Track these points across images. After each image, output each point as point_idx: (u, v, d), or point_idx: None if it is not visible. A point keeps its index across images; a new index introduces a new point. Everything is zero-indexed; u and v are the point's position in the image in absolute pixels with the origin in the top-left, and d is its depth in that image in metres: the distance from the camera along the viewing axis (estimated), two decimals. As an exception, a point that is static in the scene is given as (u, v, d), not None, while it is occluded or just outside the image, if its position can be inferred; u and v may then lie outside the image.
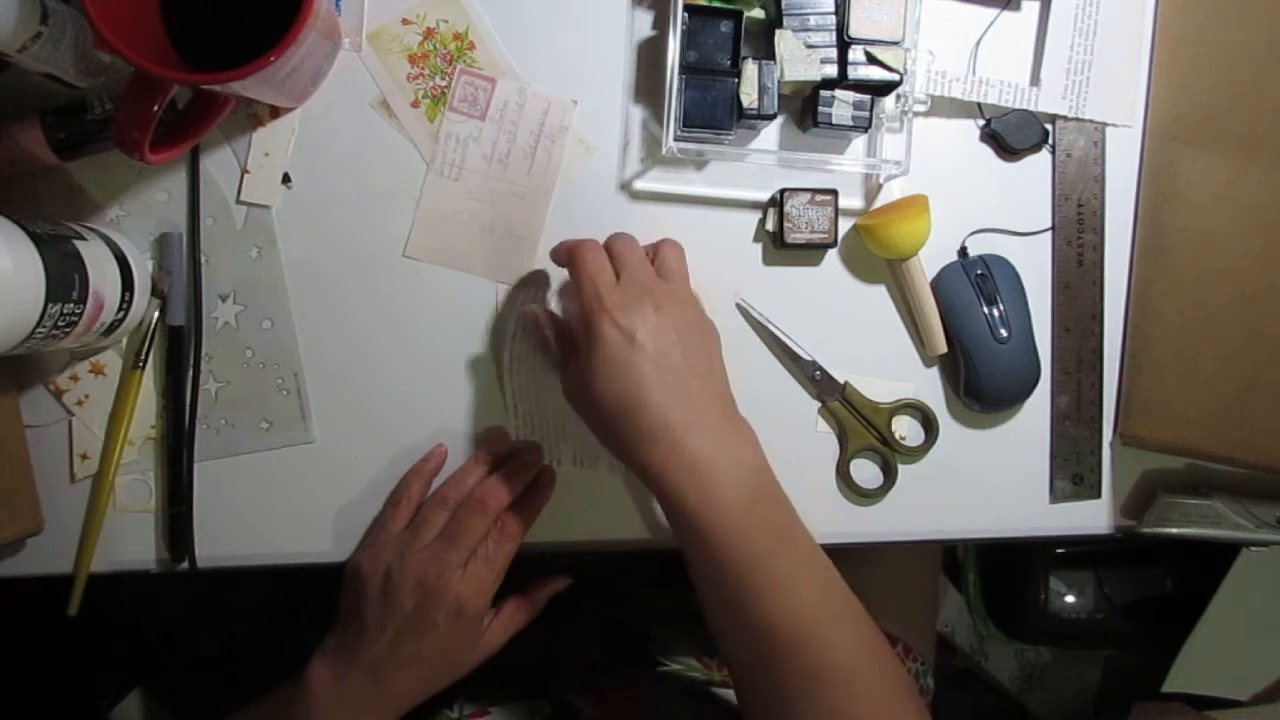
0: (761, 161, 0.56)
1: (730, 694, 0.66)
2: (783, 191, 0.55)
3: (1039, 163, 0.58)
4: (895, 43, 0.52)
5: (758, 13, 0.53)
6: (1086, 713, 1.22)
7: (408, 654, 0.50)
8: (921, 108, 0.54)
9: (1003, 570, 1.07)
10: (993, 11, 0.57)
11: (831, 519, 0.58)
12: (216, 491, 0.54)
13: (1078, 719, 1.23)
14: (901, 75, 0.52)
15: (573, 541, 0.57)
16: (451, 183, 0.54)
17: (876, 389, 0.58)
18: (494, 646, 0.54)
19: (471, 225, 0.54)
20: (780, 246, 0.56)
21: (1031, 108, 0.57)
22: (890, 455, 0.58)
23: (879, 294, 0.58)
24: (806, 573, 0.47)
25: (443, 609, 0.49)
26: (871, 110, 0.53)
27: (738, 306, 0.57)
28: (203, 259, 0.53)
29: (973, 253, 0.58)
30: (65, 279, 0.44)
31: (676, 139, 0.52)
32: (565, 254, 0.50)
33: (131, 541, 0.54)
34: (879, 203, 0.57)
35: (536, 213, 0.55)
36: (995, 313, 0.56)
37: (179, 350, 0.53)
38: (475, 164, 0.54)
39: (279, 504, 0.55)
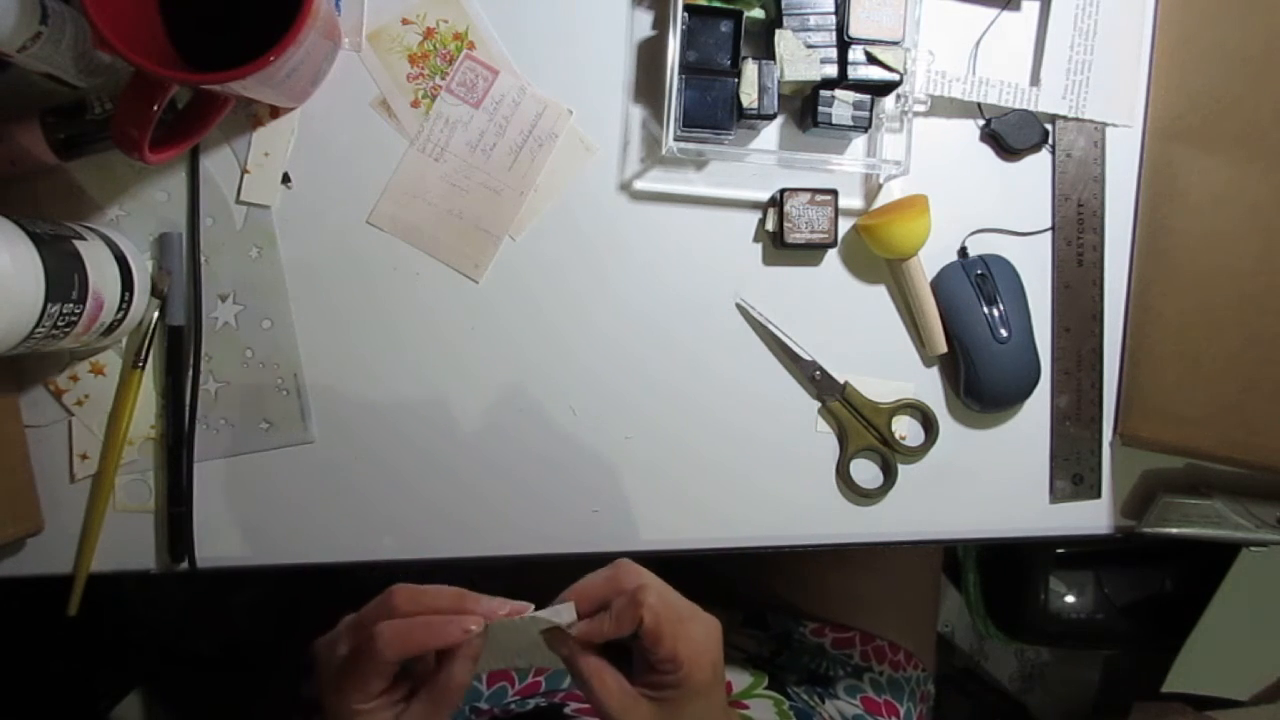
0: (761, 161, 0.56)
1: None
2: (783, 191, 0.55)
3: (1039, 163, 0.58)
4: (895, 43, 0.52)
5: (758, 13, 0.52)
6: (1086, 713, 1.23)
7: None
8: (921, 108, 0.54)
9: (1003, 570, 1.08)
10: (993, 11, 0.57)
11: (831, 519, 0.58)
12: (216, 491, 0.54)
13: (1077, 719, 1.23)
14: (901, 75, 0.52)
15: (579, 554, 0.57)
16: (431, 161, 0.54)
17: (876, 389, 0.58)
18: None
19: (440, 207, 0.54)
20: (780, 246, 0.56)
21: (1031, 108, 0.57)
22: (890, 455, 0.58)
23: (879, 294, 0.58)
24: None
25: None
26: (871, 110, 0.53)
27: (738, 306, 0.57)
28: (202, 259, 0.53)
29: (973, 253, 0.58)
30: (65, 279, 0.44)
31: (676, 139, 0.52)
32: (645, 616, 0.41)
33: (131, 541, 0.54)
34: (879, 203, 0.57)
35: (507, 211, 0.55)
36: (995, 313, 0.56)
37: (179, 350, 0.53)
38: (458, 149, 0.54)
39: (279, 504, 0.55)
